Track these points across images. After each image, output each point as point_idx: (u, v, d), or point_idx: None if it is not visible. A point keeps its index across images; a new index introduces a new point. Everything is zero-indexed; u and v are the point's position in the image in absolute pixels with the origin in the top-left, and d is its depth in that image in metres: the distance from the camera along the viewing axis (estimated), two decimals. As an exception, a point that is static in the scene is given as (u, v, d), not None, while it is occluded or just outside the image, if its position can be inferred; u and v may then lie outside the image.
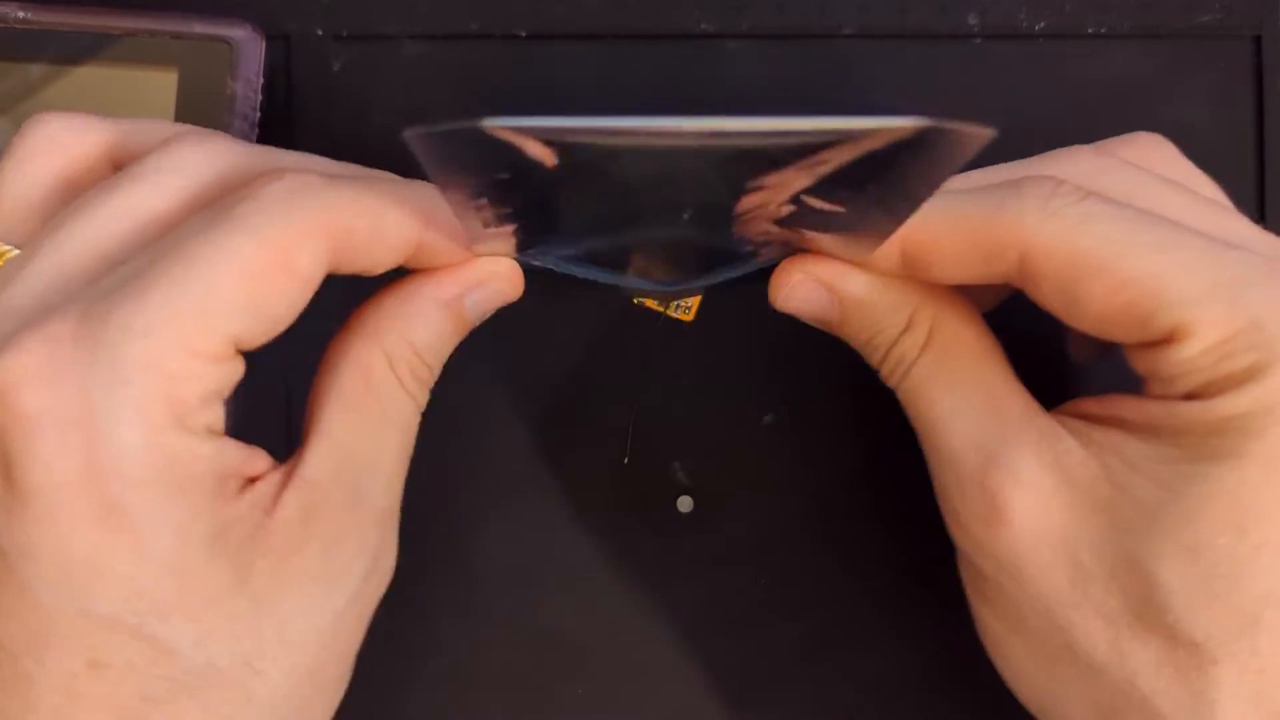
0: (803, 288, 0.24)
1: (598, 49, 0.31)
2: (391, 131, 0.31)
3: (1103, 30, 0.31)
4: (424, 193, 0.23)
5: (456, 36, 0.31)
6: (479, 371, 0.31)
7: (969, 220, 0.23)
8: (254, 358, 0.31)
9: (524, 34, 0.31)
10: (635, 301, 0.31)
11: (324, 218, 0.22)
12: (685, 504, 0.31)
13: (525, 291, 0.31)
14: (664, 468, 0.31)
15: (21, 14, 0.28)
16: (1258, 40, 0.31)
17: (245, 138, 0.29)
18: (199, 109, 0.29)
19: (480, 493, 0.31)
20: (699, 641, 0.30)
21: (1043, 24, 0.31)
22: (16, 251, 0.23)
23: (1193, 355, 0.22)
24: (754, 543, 0.30)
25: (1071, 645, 0.23)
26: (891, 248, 0.23)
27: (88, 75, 0.28)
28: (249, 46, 0.29)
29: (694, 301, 0.31)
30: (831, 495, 0.31)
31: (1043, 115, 0.31)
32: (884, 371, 0.25)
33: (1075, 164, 0.24)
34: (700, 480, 0.31)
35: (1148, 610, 0.22)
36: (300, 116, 0.31)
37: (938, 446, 0.24)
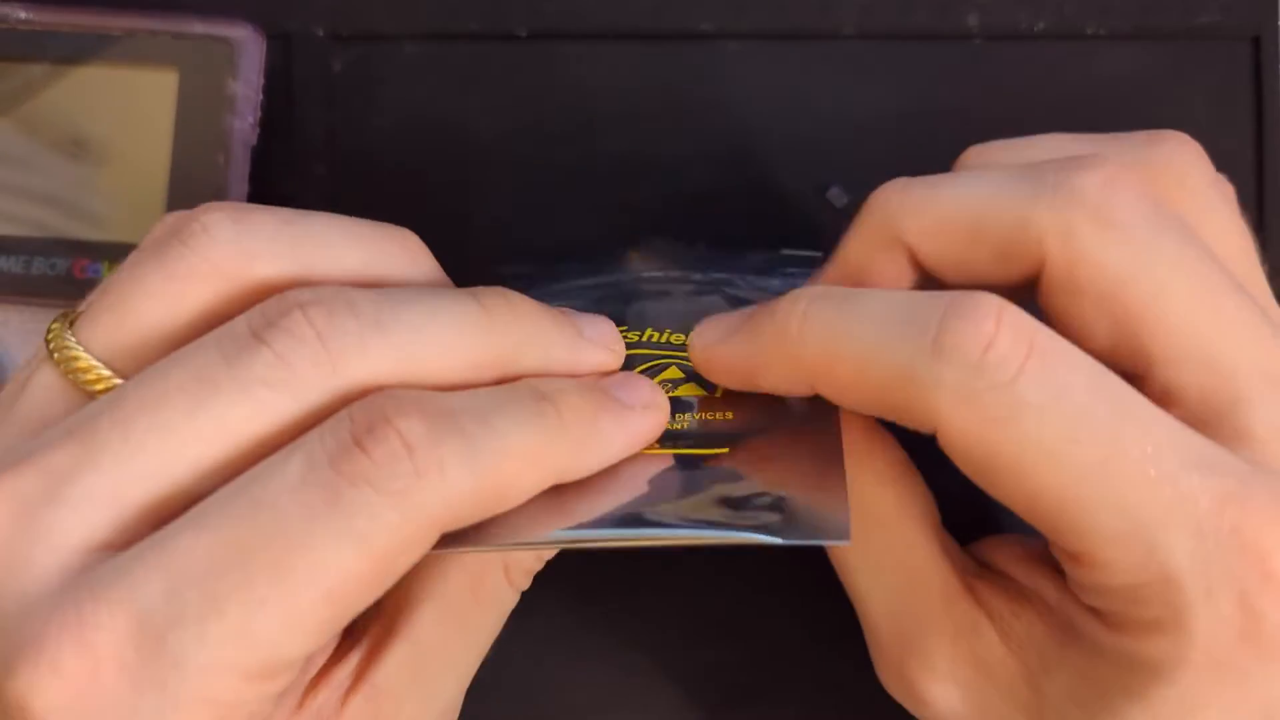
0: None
1: (598, 49, 0.31)
2: (392, 132, 0.31)
3: (1102, 31, 0.31)
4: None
5: (456, 36, 0.31)
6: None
7: (878, 370, 0.20)
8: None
9: (524, 34, 0.31)
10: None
11: (455, 506, 0.19)
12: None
13: (524, 289, 0.31)
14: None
15: (22, 14, 0.28)
16: (1256, 41, 0.31)
17: (245, 138, 0.29)
18: (199, 109, 0.29)
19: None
20: (699, 642, 0.30)
21: (1042, 25, 0.31)
22: (118, 382, 0.20)
23: (1099, 586, 0.20)
24: (754, 542, 0.30)
25: None
26: (799, 378, 0.21)
27: (88, 75, 0.28)
28: (249, 46, 0.29)
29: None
30: (831, 495, 0.31)
31: (1043, 116, 0.31)
32: None
33: (1074, 216, 0.20)
34: (700, 480, 0.31)
35: None
36: (300, 116, 0.31)
37: (859, 610, 0.24)
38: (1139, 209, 0.20)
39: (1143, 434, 0.19)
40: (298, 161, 0.31)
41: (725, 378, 0.23)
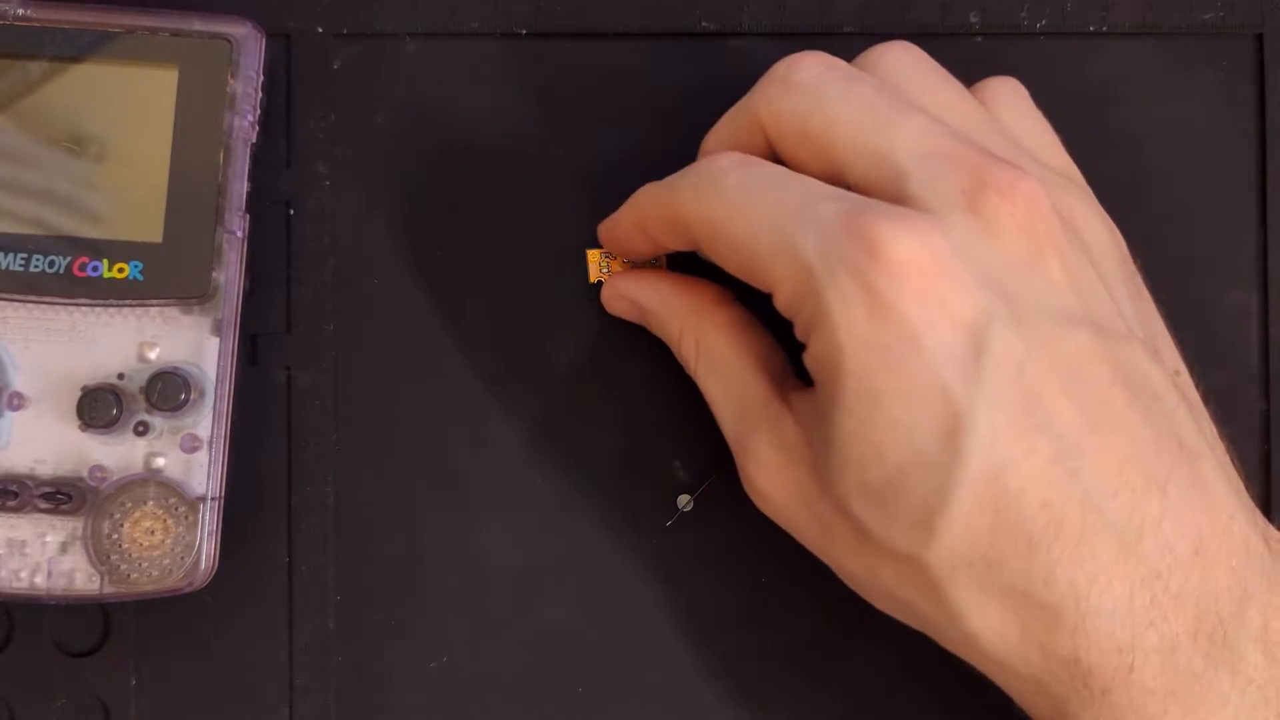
0: (615, 301, 0.30)
1: (598, 47, 0.31)
2: (392, 130, 0.31)
3: (1104, 28, 0.31)
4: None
5: (457, 35, 0.31)
6: (478, 371, 0.31)
7: (659, 201, 0.27)
8: (255, 350, 0.31)
9: (524, 32, 0.31)
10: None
11: None
12: (685, 503, 0.30)
13: (525, 288, 0.31)
14: (664, 467, 0.31)
15: (21, 10, 0.28)
16: (1259, 38, 0.31)
17: (245, 136, 0.29)
18: (199, 107, 0.28)
19: (480, 492, 0.30)
20: (699, 640, 0.30)
21: (1044, 22, 0.31)
22: None
23: (785, 310, 0.25)
24: (754, 541, 0.30)
25: (848, 574, 0.27)
26: (632, 226, 0.29)
27: (87, 72, 0.28)
28: (249, 44, 0.29)
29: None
30: (832, 494, 0.30)
31: (1043, 113, 0.31)
32: (683, 366, 0.29)
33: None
34: (700, 479, 0.31)
35: (868, 539, 0.25)
36: (300, 114, 0.31)
37: (721, 428, 0.29)
38: (811, 71, 0.26)
39: (800, 189, 0.25)
40: (298, 160, 0.31)
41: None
